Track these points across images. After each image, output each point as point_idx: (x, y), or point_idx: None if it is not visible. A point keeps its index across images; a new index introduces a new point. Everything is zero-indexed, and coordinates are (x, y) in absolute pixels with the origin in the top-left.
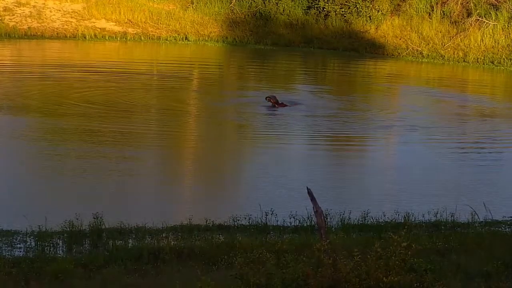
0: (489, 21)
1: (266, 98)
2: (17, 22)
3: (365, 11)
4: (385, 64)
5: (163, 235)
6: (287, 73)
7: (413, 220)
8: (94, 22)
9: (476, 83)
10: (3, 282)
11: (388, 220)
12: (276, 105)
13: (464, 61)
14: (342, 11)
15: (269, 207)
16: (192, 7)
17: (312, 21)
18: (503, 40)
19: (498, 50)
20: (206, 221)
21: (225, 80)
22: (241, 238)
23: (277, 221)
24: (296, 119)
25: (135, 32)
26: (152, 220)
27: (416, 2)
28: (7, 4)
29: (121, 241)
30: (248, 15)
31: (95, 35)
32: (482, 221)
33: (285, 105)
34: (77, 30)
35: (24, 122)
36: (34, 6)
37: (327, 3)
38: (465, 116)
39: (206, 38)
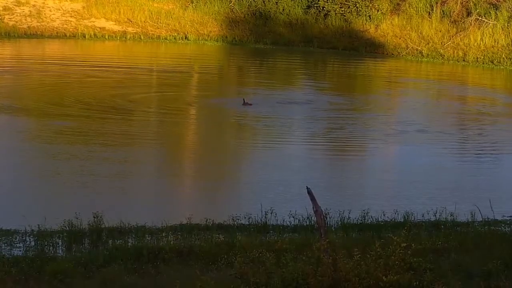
0: (489, 20)
1: (243, 104)
2: (16, 21)
3: (365, 11)
4: (385, 63)
5: (163, 235)
6: (287, 72)
7: (413, 219)
8: (93, 22)
9: (476, 83)
10: (3, 281)
11: (388, 220)
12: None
13: (463, 60)
14: (342, 11)
15: (269, 207)
16: (192, 6)
17: (312, 21)
18: (503, 40)
19: (497, 50)
20: (206, 220)
21: (225, 79)
22: (241, 237)
23: (277, 220)
24: (296, 118)
25: (134, 31)
26: (152, 219)
27: (416, 1)
28: (7, 3)
29: (120, 241)
30: (248, 14)
31: (94, 35)
32: (481, 221)
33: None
34: (77, 30)
35: (24, 122)
36: (33, 6)
37: (327, 2)
38: (464, 115)
39: (206, 37)
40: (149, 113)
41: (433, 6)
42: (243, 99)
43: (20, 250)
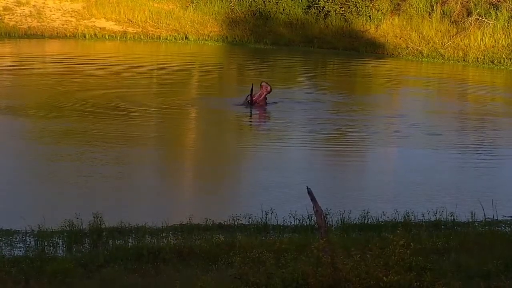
0: (489, 20)
1: (261, 83)
2: (17, 22)
3: (365, 11)
4: (385, 63)
5: (163, 235)
6: (287, 72)
7: (413, 219)
8: (94, 22)
9: (476, 82)
10: (3, 281)
11: (388, 220)
12: (257, 102)
13: (464, 60)
14: (342, 11)
15: (269, 207)
16: (192, 6)
17: (312, 21)
18: (503, 40)
19: (498, 50)
20: (206, 220)
21: (225, 79)
22: (241, 237)
23: (277, 220)
24: (297, 118)
25: (135, 31)
26: (152, 219)
27: (416, 1)
28: (7, 3)
29: (121, 241)
30: (248, 15)
31: (95, 35)
32: (482, 221)
33: (265, 103)
34: (77, 30)
35: (24, 122)
36: (34, 6)
37: (327, 2)
38: (465, 116)
39: (206, 38)
40: (149, 113)
41: (433, 6)
42: (250, 95)
43: (20, 250)
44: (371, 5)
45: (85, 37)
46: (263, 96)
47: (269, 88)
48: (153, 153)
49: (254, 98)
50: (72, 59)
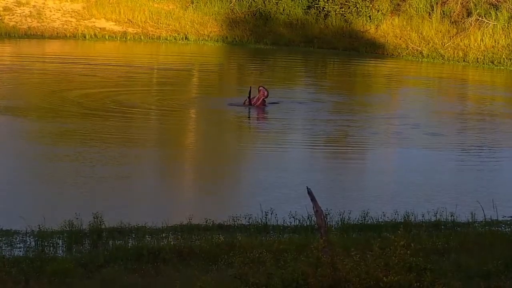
0: (489, 21)
1: (259, 87)
2: (17, 22)
3: (365, 11)
4: (385, 63)
5: (163, 235)
6: (287, 72)
7: (413, 220)
8: (94, 22)
9: (476, 82)
10: (3, 281)
11: (388, 220)
12: (254, 105)
13: (464, 60)
14: (342, 11)
15: (269, 207)
16: (192, 6)
17: (312, 21)
18: (503, 40)
19: (498, 50)
20: (206, 220)
21: (225, 80)
22: (241, 237)
23: (277, 220)
24: (297, 118)
25: (135, 31)
26: (152, 219)
27: (416, 1)
28: (7, 3)
29: (121, 241)
30: (248, 15)
31: (95, 35)
32: (482, 221)
33: (264, 105)
34: (77, 30)
35: (24, 122)
36: (34, 6)
37: (327, 2)
38: (465, 115)
39: (206, 38)
40: (149, 113)
41: (433, 7)
42: (248, 97)
43: (20, 251)
44: (371, 5)
45: (85, 37)
46: (260, 100)
47: (266, 93)
48: (153, 153)
49: (253, 102)
50: (72, 60)
